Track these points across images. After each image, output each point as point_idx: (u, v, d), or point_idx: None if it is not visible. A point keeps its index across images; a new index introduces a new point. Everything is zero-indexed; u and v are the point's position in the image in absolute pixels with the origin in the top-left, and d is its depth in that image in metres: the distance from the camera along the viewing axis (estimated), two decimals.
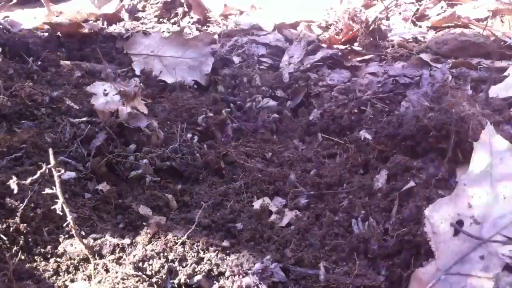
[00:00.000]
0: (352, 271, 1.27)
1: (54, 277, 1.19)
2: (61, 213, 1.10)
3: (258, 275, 1.21)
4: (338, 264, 1.34)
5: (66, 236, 1.29)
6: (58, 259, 1.23)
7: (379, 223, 1.44)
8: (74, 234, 1.13)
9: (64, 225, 1.22)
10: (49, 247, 1.26)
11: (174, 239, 1.35)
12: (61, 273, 1.21)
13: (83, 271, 1.21)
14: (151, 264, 1.23)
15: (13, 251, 1.21)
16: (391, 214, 1.48)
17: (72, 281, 1.19)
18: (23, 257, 1.21)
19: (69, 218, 1.08)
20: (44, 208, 1.31)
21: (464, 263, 1.17)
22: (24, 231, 1.25)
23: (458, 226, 1.24)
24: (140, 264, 1.23)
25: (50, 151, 1.11)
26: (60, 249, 1.25)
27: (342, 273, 1.28)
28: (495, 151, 1.36)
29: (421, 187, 1.50)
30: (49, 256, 1.24)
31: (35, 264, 1.21)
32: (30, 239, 1.25)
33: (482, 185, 1.31)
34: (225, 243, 1.37)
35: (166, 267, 1.23)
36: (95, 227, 1.37)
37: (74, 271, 1.21)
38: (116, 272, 1.19)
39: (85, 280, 1.19)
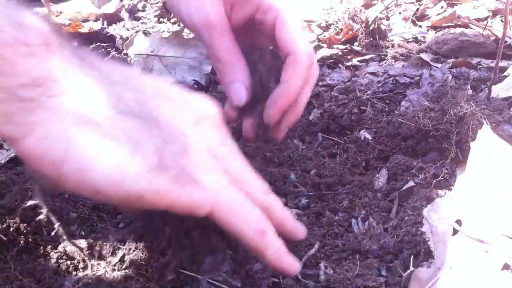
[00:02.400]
0: (352, 271, 1.27)
1: (54, 277, 1.19)
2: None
3: (258, 274, 1.21)
4: (338, 264, 1.34)
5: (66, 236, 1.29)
6: (58, 259, 1.23)
7: (379, 223, 1.44)
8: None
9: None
10: (49, 247, 1.25)
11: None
12: (61, 273, 1.20)
13: (83, 271, 1.21)
14: (152, 264, 1.23)
15: (13, 251, 1.21)
16: (391, 214, 1.48)
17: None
18: (23, 257, 1.21)
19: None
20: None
21: (464, 263, 1.17)
22: (24, 231, 1.25)
23: (457, 226, 1.24)
24: (140, 264, 1.23)
25: None
26: (60, 249, 1.25)
27: (342, 273, 1.28)
28: (493, 151, 1.37)
29: (421, 187, 1.50)
30: (49, 256, 1.24)
31: (35, 264, 1.21)
32: (30, 239, 1.25)
33: (481, 185, 1.31)
34: None
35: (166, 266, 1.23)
36: (95, 227, 1.37)
37: (74, 271, 1.21)
38: (117, 272, 1.19)
39: (85, 280, 1.19)
